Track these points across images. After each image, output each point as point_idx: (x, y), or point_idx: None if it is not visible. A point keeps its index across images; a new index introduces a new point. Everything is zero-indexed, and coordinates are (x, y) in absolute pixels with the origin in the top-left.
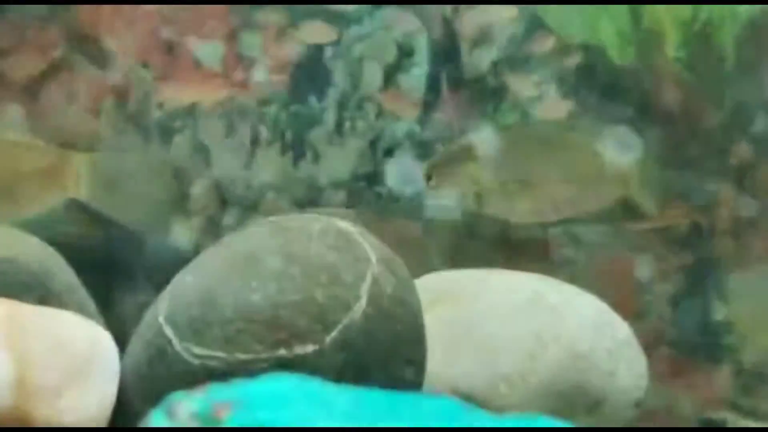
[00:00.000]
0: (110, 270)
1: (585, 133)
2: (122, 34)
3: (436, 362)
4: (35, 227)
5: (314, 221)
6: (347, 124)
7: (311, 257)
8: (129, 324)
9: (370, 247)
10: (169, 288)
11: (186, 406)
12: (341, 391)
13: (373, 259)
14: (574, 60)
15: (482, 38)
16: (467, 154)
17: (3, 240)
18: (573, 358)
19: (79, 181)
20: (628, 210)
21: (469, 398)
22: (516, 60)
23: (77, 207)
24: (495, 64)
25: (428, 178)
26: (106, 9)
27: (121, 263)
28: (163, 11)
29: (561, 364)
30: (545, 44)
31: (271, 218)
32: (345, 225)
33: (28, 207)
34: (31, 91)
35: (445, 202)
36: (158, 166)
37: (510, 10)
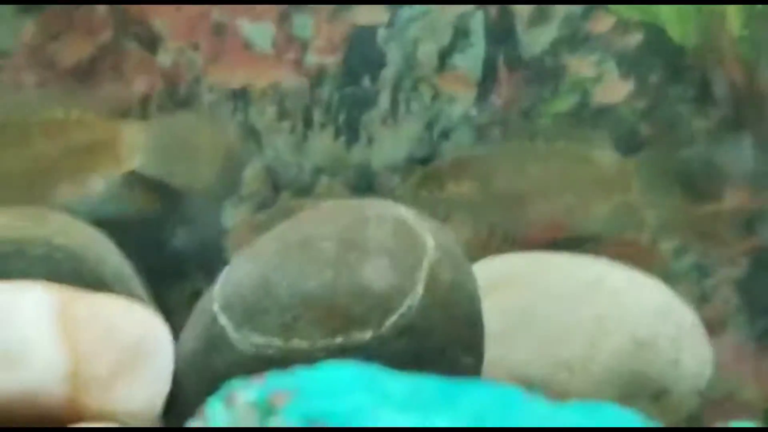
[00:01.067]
0: (161, 257)
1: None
2: (171, 17)
3: (495, 348)
4: (87, 208)
5: (370, 207)
6: (402, 107)
7: (368, 243)
8: (180, 311)
9: (427, 233)
10: (224, 275)
11: (244, 394)
12: (399, 378)
13: (431, 244)
14: (633, 39)
15: (539, 17)
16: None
17: (54, 226)
18: (635, 345)
19: (133, 151)
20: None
21: (529, 385)
22: (574, 40)
23: (133, 181)
24: (553, 44)
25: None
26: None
27: (171, 250)
28: None
29: (623, 351)
30: (604, 23)
31: (328, 203)
32: (402, 210)
33: (83, 185)
34: (80, 75)
35: None
36: (212, 140)
37: None
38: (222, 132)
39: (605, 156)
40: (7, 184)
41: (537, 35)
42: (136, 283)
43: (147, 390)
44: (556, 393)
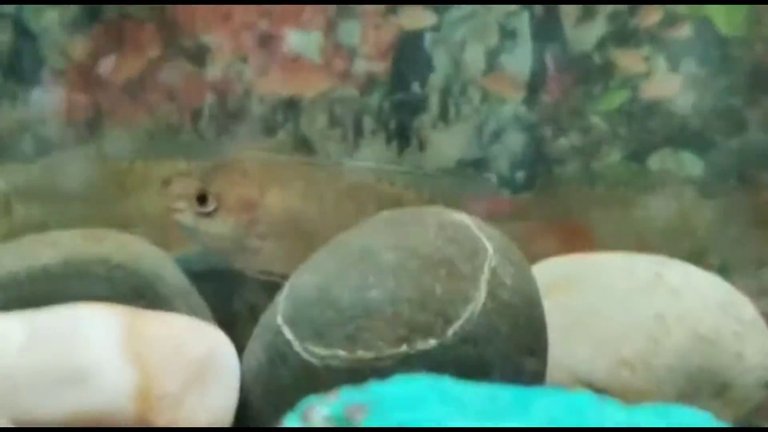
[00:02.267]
0: (221, 271)
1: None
2: (218, 30)
3: (557, 350)
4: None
5: (429, 214)
6: (452, 110)
7: (428, 251)
8: (242, 326)
9: (486, 238)
10: (287, 288)
11: (319, 410)
12: (474, 388)
13: (491, 250)
14: (681, 32)
15: (586, 14)
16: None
17: (113, 245)
18: (697, 340)
19: None
20: None
21: (591, 385)
22: (622, 35)
23: None
24: (600, 41)
25: (202, 199)
26: (202, 5)
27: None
28: (259, 4)
29: (685, 348)
30: (651, 17)
31: (386, 213)
32: (461, 217)
33: None
34: (131, 91)
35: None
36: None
37: None
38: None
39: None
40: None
41: (584, 32)
42: (197, 298)
43: (215, 405)
44: (619, 392)
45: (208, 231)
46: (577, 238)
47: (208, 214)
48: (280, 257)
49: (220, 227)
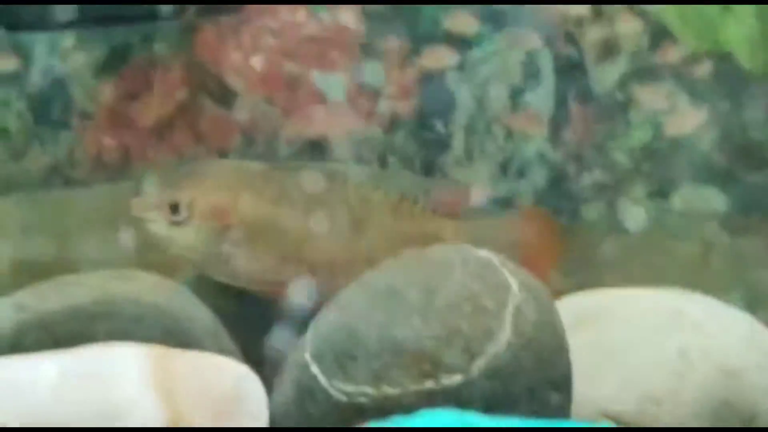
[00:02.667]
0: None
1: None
2: (244, 71)
3: (582, 385)
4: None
5: (453, 251)
6: (476, 148)
7: (453, 288)
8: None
9: (510, 274)
10: (313, 325)
11: None
12: (498, 422)
13: (515, 286)
14: (703, 68)
15: (607, 51)
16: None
17: (142, 285)
18: (723, 374)
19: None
20: None
21: (618, 421)
22: (644, 72)
23: None
24: (622, 78)
25: (173, 208)
26: (228, 46)
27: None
28: (284, 46)
29: (710, 382)
30: (672, 54)
31: (411, 251)
32: (485, 253)
33: None
34: (159, 134)
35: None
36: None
37: (634, 21)
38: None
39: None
40: None
41: (606, 69)
42: (225, 338)
43: None
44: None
45: (181, 240)
46: (540, 224)
47: (181, 223)
48: (255, 265)
49: (193, 236)
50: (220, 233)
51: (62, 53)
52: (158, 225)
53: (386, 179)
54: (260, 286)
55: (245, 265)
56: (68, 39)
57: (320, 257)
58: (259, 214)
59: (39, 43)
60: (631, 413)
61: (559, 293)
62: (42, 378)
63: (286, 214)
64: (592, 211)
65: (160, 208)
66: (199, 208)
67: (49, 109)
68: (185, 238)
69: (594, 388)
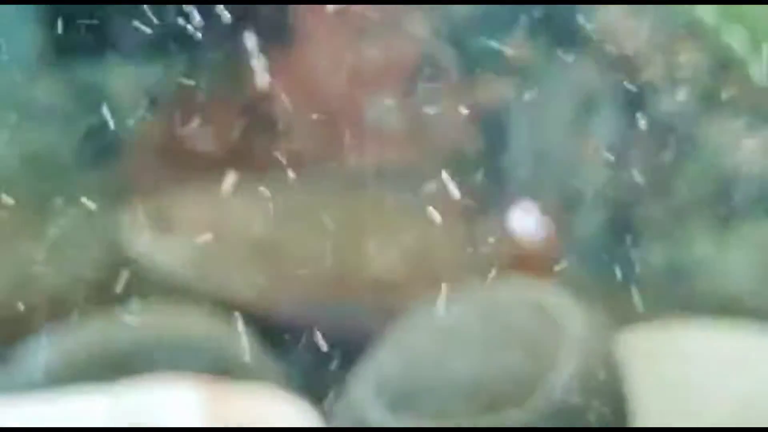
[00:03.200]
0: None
1: None
2: (297, 100)
3: (642, 420)
4: None
5: (510, 287)
6: (533, 180)
7: (511, 324)
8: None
9: (568, 309)
10: (371, 361)
11: None
12: None
13: (573, 322)
14: (765, 99)
15: (670, 83)
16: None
17: (191, 318)
18: None
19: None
20: None
21: None
22: (707, 103)
23: None
24: (684, 108)
25: (156, 224)
26: (281, 82)
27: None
28: (338, 74)
29: None
30: (735, 87)
31: (468, 286)
32: (543, 290)
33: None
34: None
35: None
36: None
37: (697, 51)
38: None
39: None
40: None
41: (668, 102)
42: (277, 371)
43: None
44: None
45: (163, 255)
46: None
47: (163, 238)
48: (240, 280)
49: (175, 251)
50: (204, 248)
51: (113, 84)
52: (139, 241)
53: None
54: (256, 305)
55: (236, 283)
56: (122, 69)
57: (319, 270)
58: (243, 227)
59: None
60: None
61: None
62: (92, 413)
63: (279, 226)
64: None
65: (142, 224)
66: (182, 223)
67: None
68: (168, 253)
69: (655, 423)
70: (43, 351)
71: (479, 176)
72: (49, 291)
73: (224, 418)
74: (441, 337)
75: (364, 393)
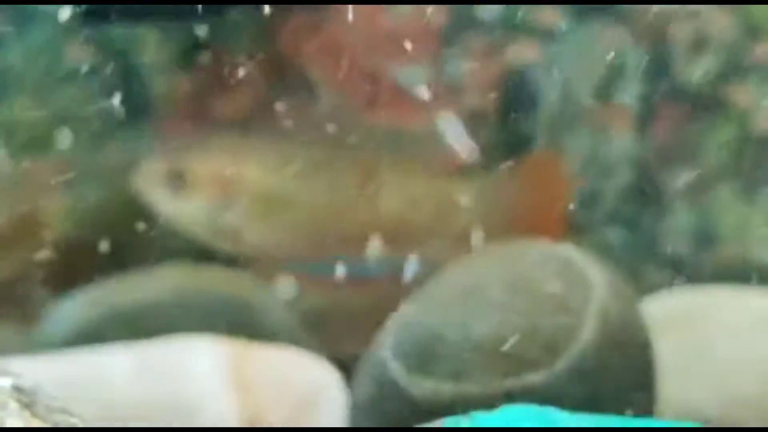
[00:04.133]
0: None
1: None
2: (324, 65)
3: (667, 386)
4: None
5: (535, 248)
6: (560, 144)
7: (535, 285)
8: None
9: (593, 271)
10: (393, 321)
11: None
12: (579, 418)
13: (598, 283)
14: None
15: (696, 48)
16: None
17: (221, 279)
18: None
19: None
20: None
21: (704, 421)
22: (733, 69)
23: None
24: (711, 75)
25: (175, 180)
26: (307, 39)
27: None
28: (365, 40)
29: None
30: (762, 51)
31: (492, 248)
32: (567, 250)
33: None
34: (237, 127)
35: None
36: None
37: (724, 18)
38: None
39: None
40: None
41: (694, 66)
42: (303, 332)
43: None
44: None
45: (184, 213)
46: (552, 167)
47: (183, 196)
48: (261, 236)
49: (194, 207)
50: (224, 205)
51: (142, 46)
52: (158, 198)
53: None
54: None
55: (253, 238)
56: (148, 32)
57: (331, 226)
58: (263, 184)
59: (118, 35)
60: (717, 415)
61: None
62: (117, 370)
63: (292, 183)
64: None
65: (162, 181)
66: (200, 179)
67: (128, 101)
68: (187, 210)
69: (680, 389)
70: (68, 311)
71: (502, 138)
72: (72, 249)
73: (245, 376)
74: (463, 298)
75: (382, 353)
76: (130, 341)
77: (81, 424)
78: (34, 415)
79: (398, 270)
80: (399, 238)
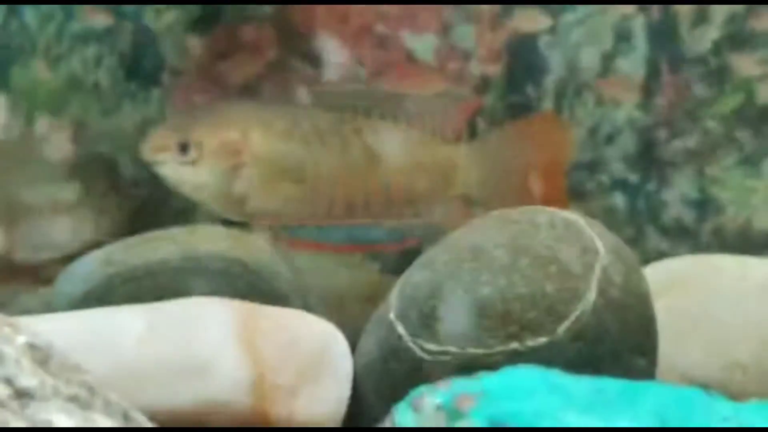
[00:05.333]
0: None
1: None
2: (335, 32)
3: (668, 351)
4: None
5: (540, 213)
6: (566, 112)
7: (539, 249)
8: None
9: (597, 236)
10: (399, 284)
11: (430, 399)
12: (581, 381)
13: (601, 249)
14: None
15: (701, 17)
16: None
17: (231, 241)
18: None
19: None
20: None
21: (703, 386)
22: (737, 39)
23: None
24: (716, 44)
25: (183, 148)
26: (319, 7)
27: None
28: (375, 7)
29: None
30: (767, 20)
31: (497, 212)
32: (571, 215)
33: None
34: (248, 92)
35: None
36: None
37: None
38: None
39: None
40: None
41: (699, 35)
42: (312, 295)
43: (329, 397)
44: (731, 394)
45: (192, 180)
46: (551, 127)
47: (191, 163)
48: (269, 202)
49: (204, 175)
50: (232, 172)
51: (154, 10)
52: (169, 166)
53: (393, 102)
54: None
55: (261, 205)
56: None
57: (337, 192)
58: (270, 150)
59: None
60: (717, 380)
61: None
62: (129, 330)
63: (299, 149)
64: (681, 178)
65: (170, 149)
66: (209, 147)
67: (140, 65)
68: (196, 178)
69: (680, 354)
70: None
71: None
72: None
73: (254, 337)
74: (467, 261)
75: (387, 316)
76: (140, 302)
77: (93, 381)
78: (48, 372)
79: (403, 235)
80: (405, 203)
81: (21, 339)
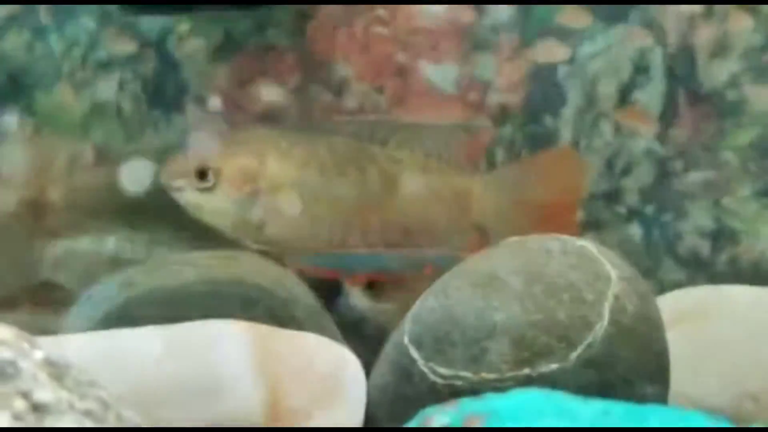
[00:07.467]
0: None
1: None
2: (356, 60)
3: (680, 380)
4: None
5: (554, 240)
6: (583, 143)
7: (552, 276)
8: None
9: (610, 264)
10: (414, 309)
11: (439, 418)
12: (588, 403)
13: (614, 276)
14: None
15: (719, 50)
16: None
17: (247, 266)
18: None
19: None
20: None
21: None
22: (755, 71)
23: None
24: (733, 77)
25: (201, 174)
26: (340, 35)
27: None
28: (396, 35)
29: None
30: None
31: (511, 239)
32: (585, 243)
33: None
34: (269, 120)
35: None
36: None
37: (746, 20)
38: None
39: None
40: None
41: (717, 68)
42: (327, 320)
43: (342, 421)
44: (742, 423)
45: (210, 206)
46: (566, 161)
47: (209, 189)
48: (286, 229)
49: (221, 201)
50: (249, 199)
51: (177, 37)
52: (186, 193)
53: (413, 134)
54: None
55: (278, 232)
56: (184, 23)
57: (354, 220)
58: (287, 177)
59: (155, 26)
60: (728, 409)
61: None
62: (147, 351)
63: (317, 176)
64: (697, 210)
65: (188, 175)
66: (227, 174)
67: (163, 92)
68: (214, 204)
69: (692, 383)
70: (103, 294)
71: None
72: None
73: (270, 360)
74: (481, 287)
75: (402, 340)
76: (158, 324)
77: (109, 397)
78: (63, 386)
79: (421, 263)
80: (421, 231)
81: (38, 354)
